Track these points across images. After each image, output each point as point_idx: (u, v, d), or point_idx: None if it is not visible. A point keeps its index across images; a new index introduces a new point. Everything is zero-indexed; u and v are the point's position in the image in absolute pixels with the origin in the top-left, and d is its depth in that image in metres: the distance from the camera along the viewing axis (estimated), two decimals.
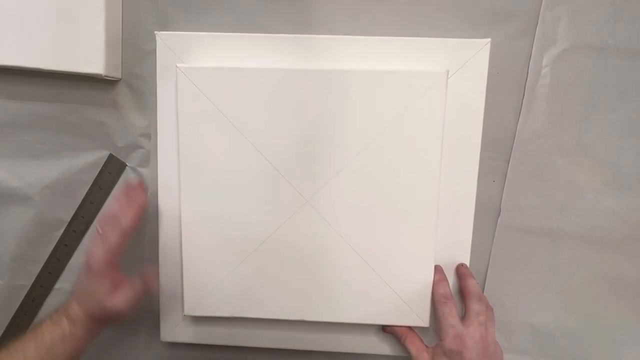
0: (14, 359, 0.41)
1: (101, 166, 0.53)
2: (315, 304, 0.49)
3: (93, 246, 0.44)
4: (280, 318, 0.50)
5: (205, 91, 0.47)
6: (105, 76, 0.49)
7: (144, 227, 0.53)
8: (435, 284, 0.48)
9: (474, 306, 0.46)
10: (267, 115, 0.47)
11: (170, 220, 0.51)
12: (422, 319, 0.48)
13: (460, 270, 0.49)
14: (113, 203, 0.46)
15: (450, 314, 0.45)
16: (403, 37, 0.47)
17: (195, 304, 0.50)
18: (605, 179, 0.49)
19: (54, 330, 0.43)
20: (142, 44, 0.51)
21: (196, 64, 0.48)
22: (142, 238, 0.54)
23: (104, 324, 0.46)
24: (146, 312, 0.55)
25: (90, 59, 0.48)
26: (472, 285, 0.47)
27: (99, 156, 0.53)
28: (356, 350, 0.52)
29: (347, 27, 0.49)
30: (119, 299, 0.44)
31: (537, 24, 0.47)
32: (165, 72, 0.49)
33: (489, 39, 0.46)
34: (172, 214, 0.51)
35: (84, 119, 0.53)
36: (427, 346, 0.48)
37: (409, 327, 0.49)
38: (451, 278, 0.50)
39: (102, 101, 0.52)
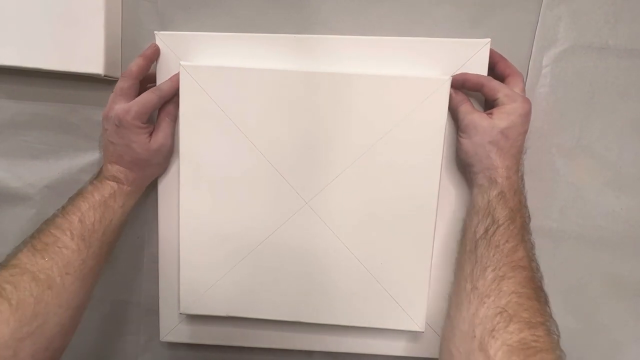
0: (71, 218, 0.42)
1: (101, 166, 0.53)
2: (312, 306, 0.49)
3: (115, 103, 0.45)
4: (276, 319, 0.50)
5: (208, 90, 0.47)
6: (105, 76, 0.49)
7: (144, 227, 0.53)
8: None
9: (521, 84, 0.45)
10: (268, 115, 0.47)
11: (170, 220, 0.51)
12: (417, 323, 0.48)
13: (494, 55, 0.46)
14: (145, 62, 0.47)
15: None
16: (403, 37, 0.47)
17: (191, 303, 0.50)
18: (605, 179, 0.49)
19: (103, 191, 0.45)
20: (142, 44, 0.51)
21: (197, 63, 0.48)
22: (142, 238, 0.54)
23: (150, 171, 0.49)
24: (146, 312, 0.55)
25: (90, 59, 0.48)
26: (512, 65, 0.46)
27: (99, 156, 0.53)
28: (356, 350, 0.52)
29: (347, 27, 0.49)
30: (158, 139, 0.47)
31: (537, 24, 0.47)
32: (165, 72, 0.49)
33: (489, 39, 0.46)
34: (172, 213, 0.51)
35: (84, 119, 0.53)
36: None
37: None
38: (448, 277, 0.50)
39: (102, 101, 0.52)
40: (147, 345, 0.56)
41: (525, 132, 0.44)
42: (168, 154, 0.49)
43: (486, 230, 0.41)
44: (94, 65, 0.48)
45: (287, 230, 0.48)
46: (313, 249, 0.48)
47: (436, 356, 0.51)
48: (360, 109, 0.46)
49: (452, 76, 0.46)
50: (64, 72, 0.48)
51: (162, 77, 0.49)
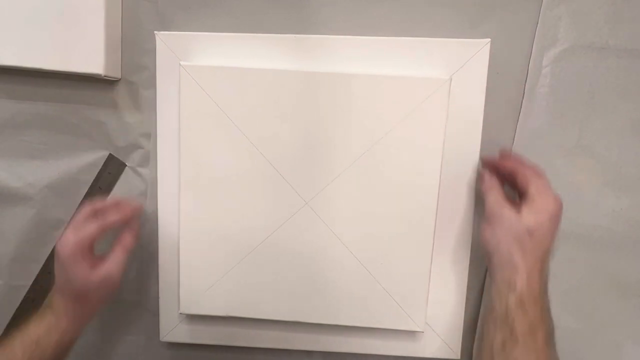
0: (1, 356, 0.41)
1: (101, 166, 0.53)
2: (312, 306, 0.49)
3: (63, 233, 0.44)
4: (276, 319, 0.50)
5: (208, 90, 0.47)
6: (105, 76, 0.49)
7: (144, 227, 0.53)
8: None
9: (543, 180, 0.43)
10: (268, 115, 0.47)
11: (170, 220, 0.51)
12: (417, 323, 0.48)
13: (504, 154, 0.46)
14: (109, 206, 0.47)
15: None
16: (403, 38, 0.47)
17: (191, 302, 0.50)
18: (605, 179, 0.49)
19: (39, 324, 0.43)
20: (142, 44, 0.51)
21: (197, 63, 0.48)
22: (142, 238, 0.54)
23: (90, 306, 0.45)
24: (146, 312, 0.55)
25: (90, 59, 0.48)
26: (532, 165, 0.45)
27: (99, 156, 0.53)
28: (356, 350, 0.52)
29: (347, 27, 0.49)
30: (102, 270, 0.44)
31: (537, 24, 0.47)
32: (165, 72, 0.49)
33: (489, 39, 0.46)
34: (172, 213, 0.51)
35: (84, 119, 0.53)
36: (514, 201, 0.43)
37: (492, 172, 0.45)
38: (448, 277, 0.50)
39: (102, 101, 0.52)
40: (147, 345, 0.56)
41: (554, 234, 0.41)
42: (112, 288, 0.45)
43: (503, 344, 0.38)
44: (94, 65, 0.48)
45: (287, 230, 0.48)
46: (313, 249, 0.48)
47: (436, 356, 0.51)
48: (360, 109, 0.46)
49: (482, 158, 0.47)
50: (64, 72, 0.48)
51: (162, 77, 0.49)
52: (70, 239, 0.43)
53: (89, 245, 0.44)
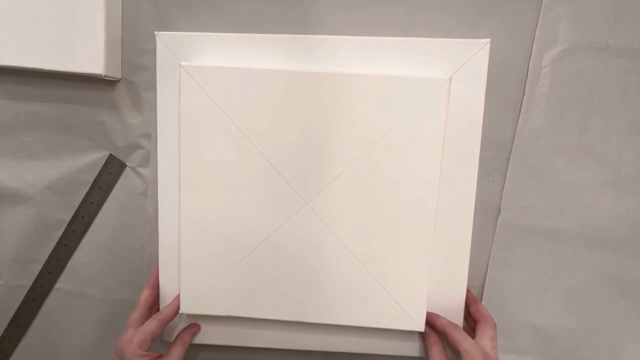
0: None
1: (101, 166, 0.53)
2: (312, 306, 0.49)
3: (125, 331, 0.47)
4: (276, 319, 0.50)
5: (208, 90, 0.47)
6: (105, 76, 0.49)
7: (144, 227, 0.54)
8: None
9: (490, 331, 0.45)
10: (268, 116, 0.47)
11: (170, 220, 0.51)
12: (417, 323, 0.48)
13: (468, 296, 0.49)
14: (151, 291, 0.50)
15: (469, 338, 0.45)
16: (403, 38, 0.47)
17: (191, 302, 0.50)
18: (605, 179, 0.49)
19: None
20: (142, 44, 0.51)
21: (198, 63, 0.48)
22: (142, 238, 0.54)
23: None
24: None
25: (90, 59, 0.48)
26: (485, 309, 0.47)
27: (99, 156, 0.53)
28: (356, 350, 0.52)
29: (347, 27, 0.49)
30: None
31: (537, 24, 0.47)
32: (165, 72, 0.49)
33: (489, 39, 0.46)
34: (172, 213, 0.51)
35: (84, 119, 0.53)
36: None
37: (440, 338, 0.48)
38: (448, 278, 0.50)
39: (102, 101, 0.52)
40: None
41: None
42: None
43: None
44: (94, 65, 0.48)
45: (287, 230, 0.48)
46: (313, 249, 0.48)
47: None
48: (360, 109, 0.46)
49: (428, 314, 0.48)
50: (64, 72, 0.48)
51: (162, 77, 0.49)
52: (135, 339, 0.46)
53: (151, 342, 0.47)
